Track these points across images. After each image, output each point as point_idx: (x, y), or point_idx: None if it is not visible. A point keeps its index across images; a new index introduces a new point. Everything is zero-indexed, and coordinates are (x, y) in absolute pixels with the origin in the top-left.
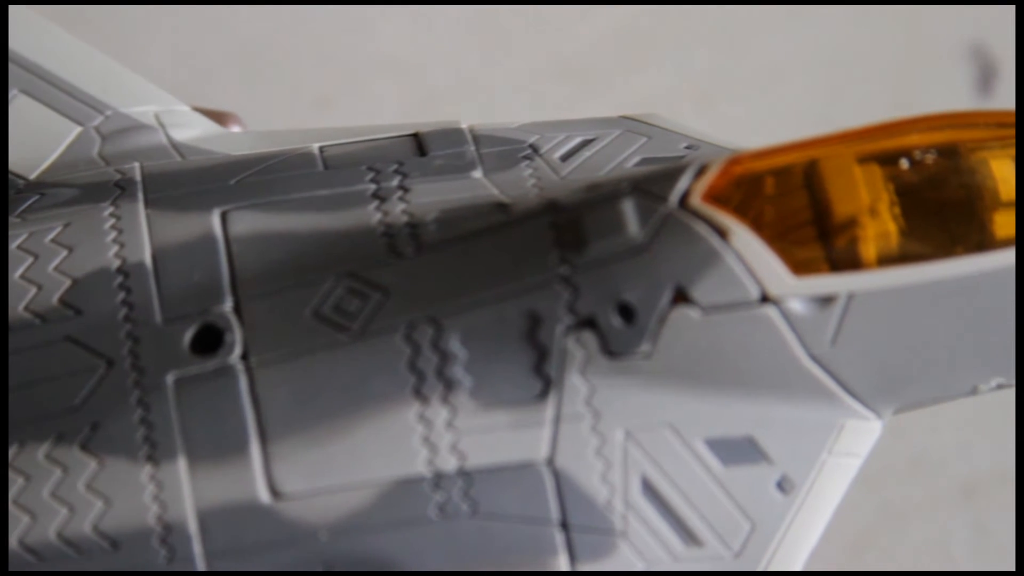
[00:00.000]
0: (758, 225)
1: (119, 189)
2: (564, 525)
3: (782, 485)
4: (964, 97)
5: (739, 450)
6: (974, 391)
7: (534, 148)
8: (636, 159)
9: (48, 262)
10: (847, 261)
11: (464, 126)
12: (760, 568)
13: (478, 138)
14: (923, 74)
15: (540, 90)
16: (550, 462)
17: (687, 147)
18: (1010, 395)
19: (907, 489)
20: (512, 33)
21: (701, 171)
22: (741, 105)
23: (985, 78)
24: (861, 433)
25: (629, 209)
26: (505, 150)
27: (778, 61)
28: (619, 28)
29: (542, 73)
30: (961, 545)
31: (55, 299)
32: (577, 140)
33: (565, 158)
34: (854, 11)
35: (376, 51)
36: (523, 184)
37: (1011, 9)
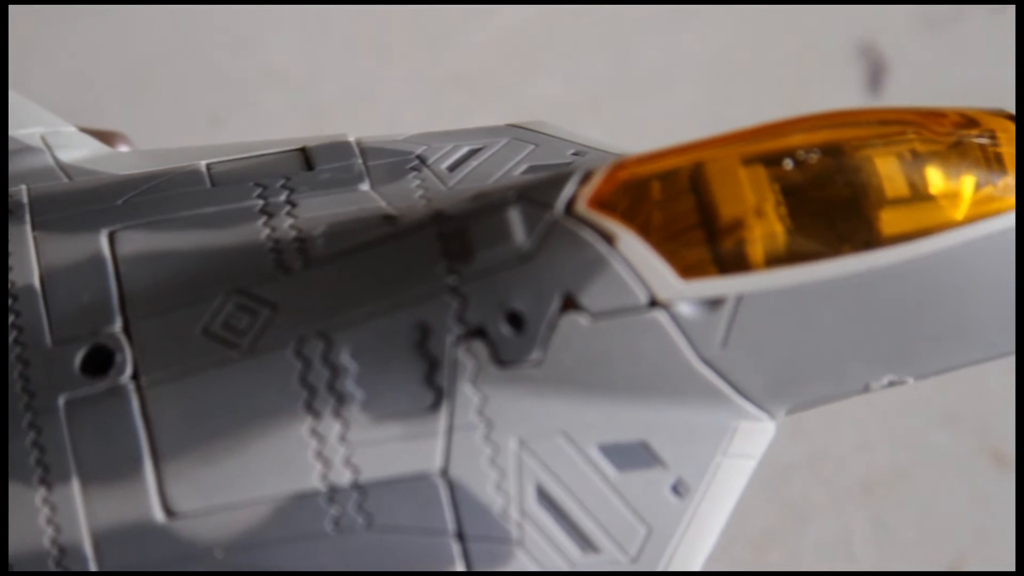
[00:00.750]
0: (645, 229)
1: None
2: (460, 535)
3: (677, 489)
4: (854, 95)
5: (633, 455)
6: (866, 389)
7: (421, 159)
8: (523, 167)
9: None
10: (735, 263)
11: (351, 139)
12: (657, 571)
13: (365, 151)
14: (813, 73)
15: (433, 100)
16: (444, 473)
17: (574, 153)
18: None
19: (808, 488)
20: (402, 44)
21: (586, 177)
22: (633, 109)
23: (874, 76)
24: (755, 434)
25: (515, 217)
26: (392, 162)
27: (668, 64)
28: (509, 36)
29: (434, 83)
30: (863, 541)
31: None
32: (464, 150)
33: (452, 168)
34: (742, 12)
35: (266, 66)
36: (410, 195)
37: (901, 11)
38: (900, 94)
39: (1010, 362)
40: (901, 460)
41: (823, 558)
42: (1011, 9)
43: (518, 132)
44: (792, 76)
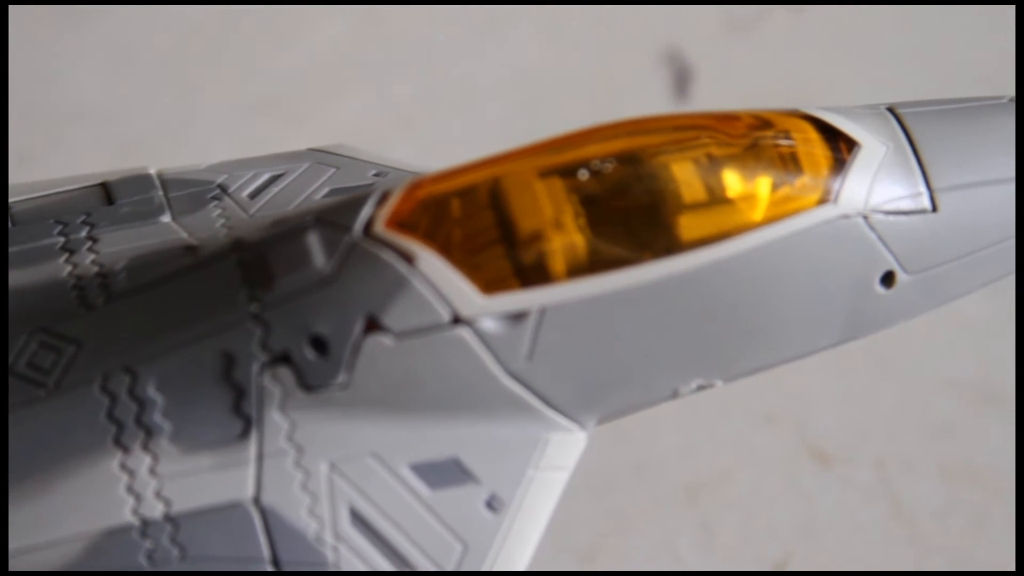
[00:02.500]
0: (446, 247)
1: None
2: (275, 561)
3: (491, 504)
4: (661, 102)
5: (445, 473)
6: (675, 394)
7: (223, 188)
8: (325, 191)
9: None
10: (536, 276)
11: (152, 171)
12: None
13: (166, 182)
14: (620, 82)
15: (243, 128)
16: (256, 500)
17: (375, 174)
18: (727, 394)
19: (633, 495)
20: (209, 72)
21: (383, 198)
22: (444, 126)
23: (680, 82)
24: (566, 446)
25: (314, 241)
26: (193, 192)
27: (476, 79)
28: (316, 59)
29: (243, 110)
30: (688, 545)
31: None
32: (265, 176)
33: (254, 195)
34: (548, 24)
35: (74, 101)
36: (212, 225)
37: (704, 13)
38: (707, 99)
39: (825, 358)
40: (724, 462)
41: (650, 564)
42: (811, 9)
43: (319, 156)
44: (599, 85)
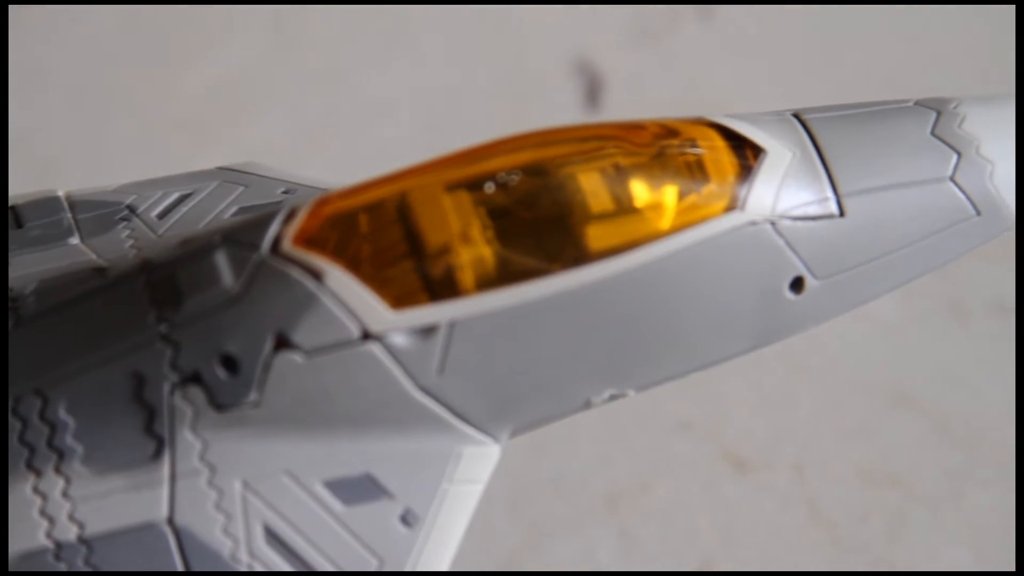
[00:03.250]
0: (354, 263)
1: None
2: None
3: (406, 519)
4: (573, 112)
5: (359, 488)
6: (587, 405)
7: (131, 208)
8: (233, 209)
9: None
10: (445, 290)
11: (60, 193)
12: None
13: (74, 204)
14: (531, 93)
15: (157, 148)
16: (170, 520)
17: (284, 192)
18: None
19: (552, 506)
20: (123, 93)
21: (291, 215)
22: (356, 143)
23: (592, 92)
24: (480, 459)
25: (221, 260)
26: (102, 213)
27: (388, 94)
28: (228, 78)
29: (157, 130)
30: (609, 555)
31: None
32: (174, 196)
33: (162, 215)
34: (457, 36)
35: None
36: (121, 246)
37: (614, 22)
38: (618, 108)
39: (740, 364)
40: (642, 471)
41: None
42: (720, 14)
43: (228, 174)
44: (511, 97)
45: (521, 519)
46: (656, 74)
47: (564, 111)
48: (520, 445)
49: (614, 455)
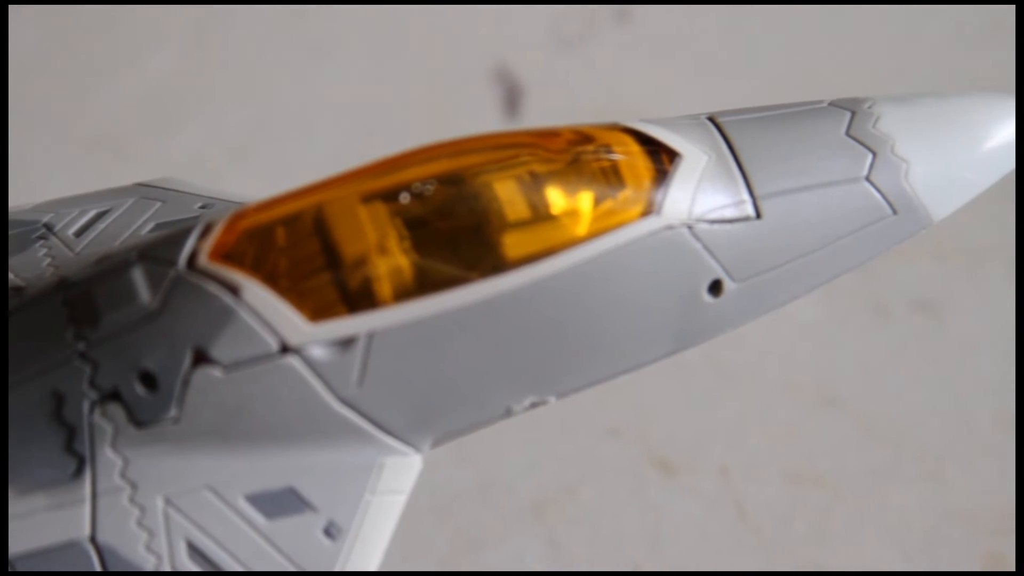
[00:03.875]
0: (272, 277)
1: None
2: None
3: (329, 531)
4: (493, 120)
5: (282, 502)
6: (508, 412)
7: (48, 227)
8: (151, 225)
9: None
10: (362, 301)
11: None
12: None
13: None
14: (452, 102)
15: (78, 164)
16: (93, 539)
17: (202, 207)
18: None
19: (479, 514)
20: (39, 109)
21: (206, 230)
22: (280, 155)
23: (511, 99)
24: (402, 469)
25: (138, 277)
26: (19, 232)
27: (310, 106)
28: (149, 92)
29: (78, 146)
30: (538, 561)
31: None
32: (91, 214)
33: (79, 233)
34: (377, 47)
35: None
36: (38, 265)
37: (533, 29)
38: (538, 115)
39: (665, 368)
40: (569, 477)
41: None
42: (638, 17)
43: (145, 190)
44: (432, 106)
45: (449, 527)
46: (575, 79)
47: (484, 119)
48: (447, 454)
49: (541, 461)
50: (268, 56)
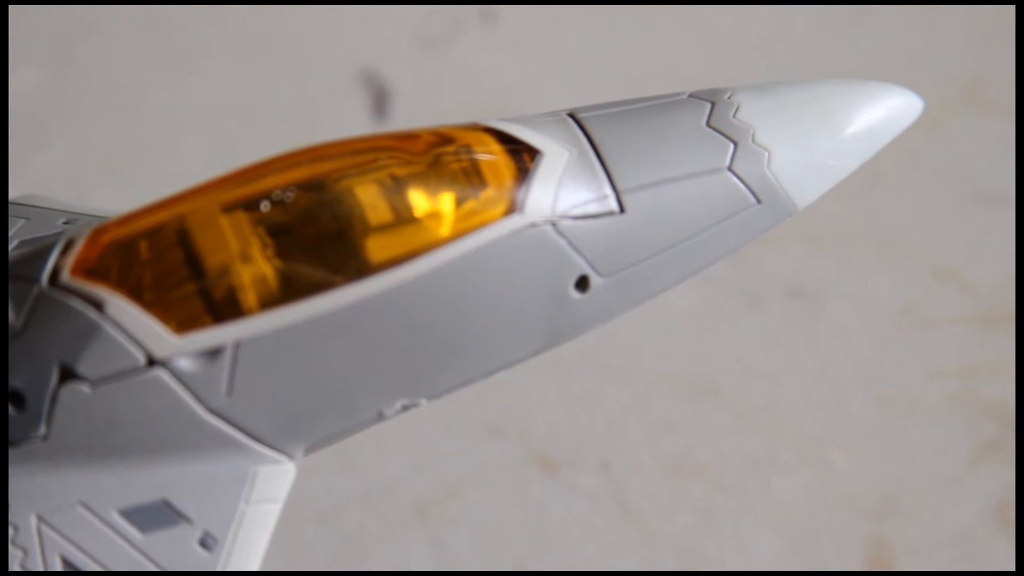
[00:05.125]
0: (136, 290)
1: None
2: None
3: (205, 542)
4: (362, 124)
5: (156, 515)
6: (380, 416)
7: None
8: (14, 243)
9: None
10: (227, 311)
11: None
12: None
13: None
14: (319, 108)
15: None
16: None
17: (65, 222)
18: (450, 409)
19: (363, 519)
20: None
21: (68, 245)
22: (147, 166)
23: (379, 102)
24: (276, 477)
25: None
26: None
27: (177, 116)
28: (12, 107)
29: None
30: (422, 564)
31: None
32: None
33: None
34: (243, 54)
35: None
36: None
37: (397, 32)
38: (406, 117)
39: (542, 365)
40: (451, 478)
41: None
42: (503, 17)
43: (9, 208)
44: (300, 112)
45: (332, 533)
46: (443, 80)
47: (353, 123)
48: (328, 460)
49: (422, 463)
50: (132, 68)
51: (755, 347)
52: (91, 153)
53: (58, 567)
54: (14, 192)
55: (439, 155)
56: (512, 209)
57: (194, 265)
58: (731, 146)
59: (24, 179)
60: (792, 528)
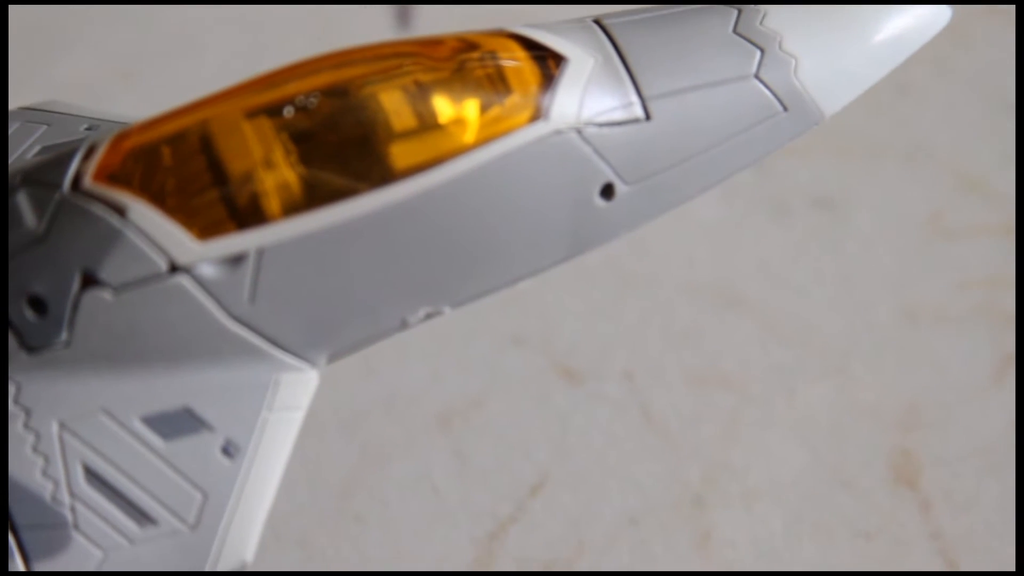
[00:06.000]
0: (158, 196)
1: None
2: (13, 527)
3: (227, 450)
4: (386, 29)
5: (178, 422)
6: (404, 324)
7: None
8: (36, 149)
9: None
10: (251, 217)
11: None
12: (220, 533)
13: None
14: (340, 14)
15: None
16: None
17: (87, 128)
18: (473, 319)
19: (384, 429)
20: None
21: (90, 151)
22: (166, 74)
23: (403, 11)
24: (298, 385)
25: (23, 201)
26: None
27: (195, 22)
28: (32, 15)
29: None
30: (443, 475)
31: None
32: None
33: None
34: None
35: None
36: None
37: None
38: (428, 26)
39: (566, 275)
40: (474, 388)
41: (406, 495)
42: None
43: (29, 114)
44: (321, 18)
45: (354, 442)
46: None
47: (376, 30)
48: (350, 368)
49: (445, 373)
50: None
51: (780, 257)
52: (110, 61)
53: (79, 475)
54: (35, 99)
55: (464, 61)
56: (537, 116)
57: (217, 171)
58: (758, 53)
59: (45, 87)
60: (817, 439)
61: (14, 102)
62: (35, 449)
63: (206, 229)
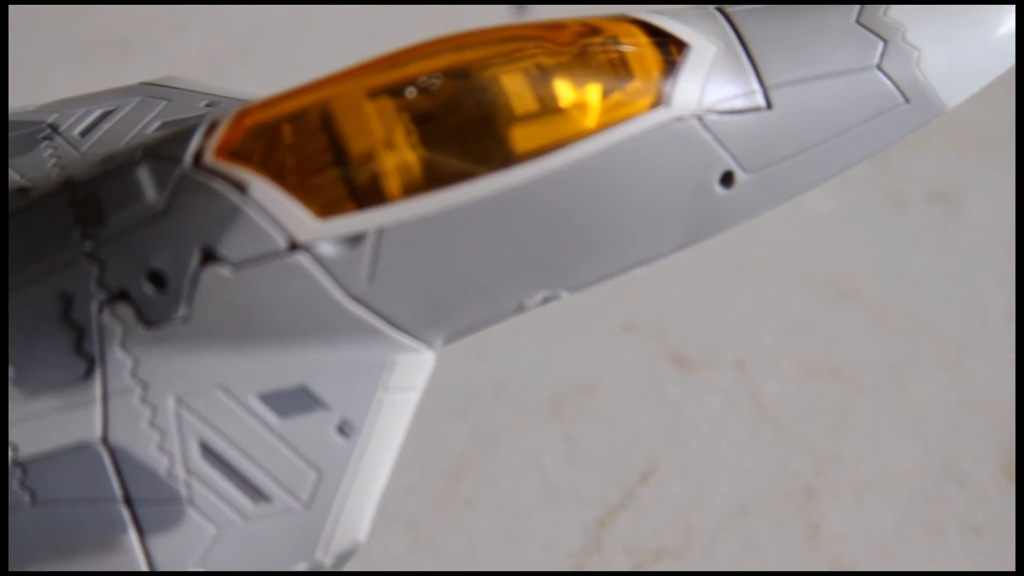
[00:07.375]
0: (279, 174)
1: None
2: (128, 500)
3: (343, 429)
4: (503, 13)
5: (294, 400)
6: (520, 308)
7: (53, 127)
8: (156, 124)
9: None
10: (371, 197)
11: None
12: (333, 512)
13: None
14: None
15: (81, 64)
16: (105, 440)
17: (207, 105)
18: (584, 305)
19: (496, 412)
20: (45, 10)
21: (212, 128)
22: (283, 53)
23: (519, 9)
24: (414, 366)
25: (144, 176)
26: (24, 133)
27: (309, 10)
28: None
29: (81, 46)
30: (554, 458)
31: None
32: (96, 113)
33: (85, 133)
34: None
35: None
36: (44, 165)
37: None
38: (545, 10)
39: (680, 263)
40: (585, 374)
41: (516, 480)
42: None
43: (150, 89)
44: (438, 5)
45: (465, 425)
46: None
47: (493, 13)
48: (462, 351)
49: (557, 358)
50: None
51: (894, 250)
52: (228, 38)
53: (195, 451)
54: (154, 74)
55: (586, 45)
56: (658, 102)
57: (338, 150)
58: (881, 44)
59: (161, 62)
60: (928, 432)
61: (134, 76)
62: (151, 423)
63: (326, 207)
